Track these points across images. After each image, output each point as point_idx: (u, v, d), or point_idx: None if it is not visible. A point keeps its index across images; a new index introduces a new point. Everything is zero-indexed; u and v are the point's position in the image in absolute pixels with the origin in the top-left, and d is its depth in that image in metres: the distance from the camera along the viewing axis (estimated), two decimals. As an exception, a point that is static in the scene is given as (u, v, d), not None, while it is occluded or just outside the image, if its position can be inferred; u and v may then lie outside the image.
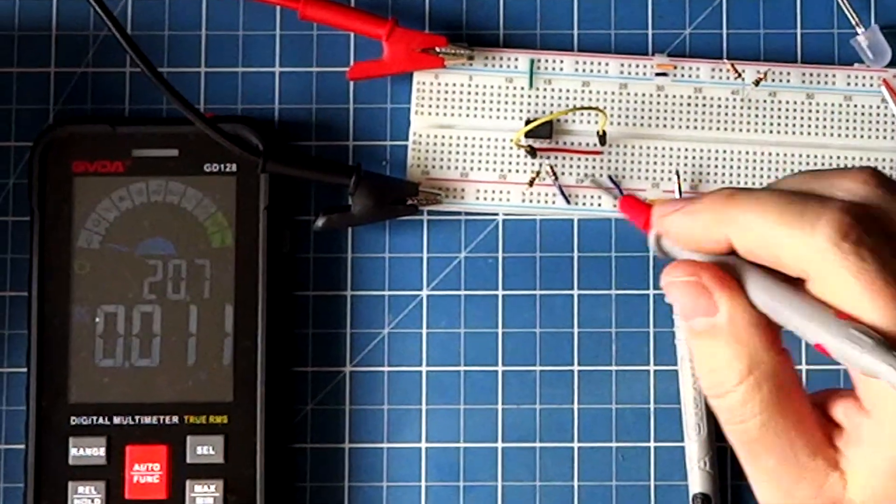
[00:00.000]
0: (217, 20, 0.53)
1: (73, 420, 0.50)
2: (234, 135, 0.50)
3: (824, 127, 0.52)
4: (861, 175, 0.36)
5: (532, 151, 0.52)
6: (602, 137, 0.52)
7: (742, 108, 0.52)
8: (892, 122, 0.52)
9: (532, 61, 0.53)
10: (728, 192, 0.36)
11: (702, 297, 0.36)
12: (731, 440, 0.37)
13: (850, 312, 0.34)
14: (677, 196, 0.51)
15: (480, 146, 0.52)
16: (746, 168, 0.52)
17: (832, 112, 0.52)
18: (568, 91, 0.53)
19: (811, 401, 0.36)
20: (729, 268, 0.36)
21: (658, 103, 0.52)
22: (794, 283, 0.35)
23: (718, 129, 0.52)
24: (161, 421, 0.50)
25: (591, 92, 0.53)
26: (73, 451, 0.49)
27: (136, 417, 0.50)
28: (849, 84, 0.52)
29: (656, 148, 0.52)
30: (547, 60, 0.53)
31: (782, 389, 0.35)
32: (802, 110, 0.52)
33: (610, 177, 0.52)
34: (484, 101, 0.52)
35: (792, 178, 0.37)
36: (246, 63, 0.53)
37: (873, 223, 0.34)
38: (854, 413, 0.35)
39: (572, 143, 0.52)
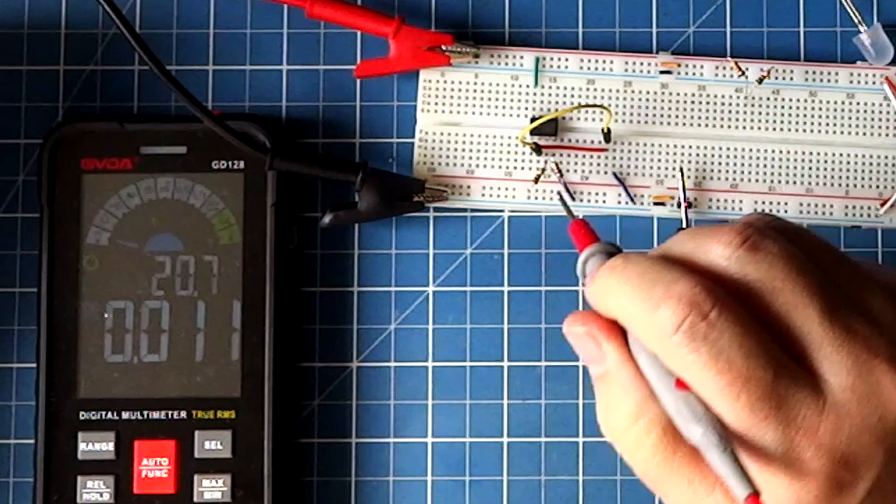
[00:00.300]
0: (225, 18, 0.54)
1: (82, 415, 0.50)
2: (242, 132, 0.50)
3: (827, 125, 0.53)
4: (727, 236, 0.37)
5: (537, 149, 0.52)
6: (607, 135, 0.52)
7: (745, 105, 0.53)
8: (895, 120, 0.52)
9: (537, 59, 0.53)
10: (618, 260, 0.38)
11: (592, 346, 0.38)
12: (639, 477, 0.38)
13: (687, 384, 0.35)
14: (681, 194, 0.51)
15: (486, 143, 0.53)
16: (749, 165, 0.52)
17: (835, 110, 0.53)
18: (573, 89, 0.53)
19: None
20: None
21: (662, 101, 0.53)
22: None
23: (722, 126, 0.53)
24: (169, 416, 0.50)
25: (595, 90, 0.53)
26: (81, 446, 0.50)
27: (145, 412, 0.50)
28: (851, 82, 0.53)
29: (660, 145, 0.53)
30: (552, 58, 0.53)
31: (674, 434, 0.36)
32: (805, 108, 0.53)
33: (615, 174, 0.52)
34: (489, 99, 0.53)
35: (676, 238, 0.39)
36: (254, 61, 0.53)
37: (721, 302, 0.35)
38: None
39: (577, 141, 0.53)
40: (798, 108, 0.53)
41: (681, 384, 0.36)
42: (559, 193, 0.52)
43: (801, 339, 0.36)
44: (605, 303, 0.38)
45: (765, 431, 0.35)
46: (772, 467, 0.35)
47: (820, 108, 0.53)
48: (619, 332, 0.38)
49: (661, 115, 0.53)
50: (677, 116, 0.53)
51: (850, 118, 0.52)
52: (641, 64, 0.53)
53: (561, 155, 0.53)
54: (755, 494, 0.33)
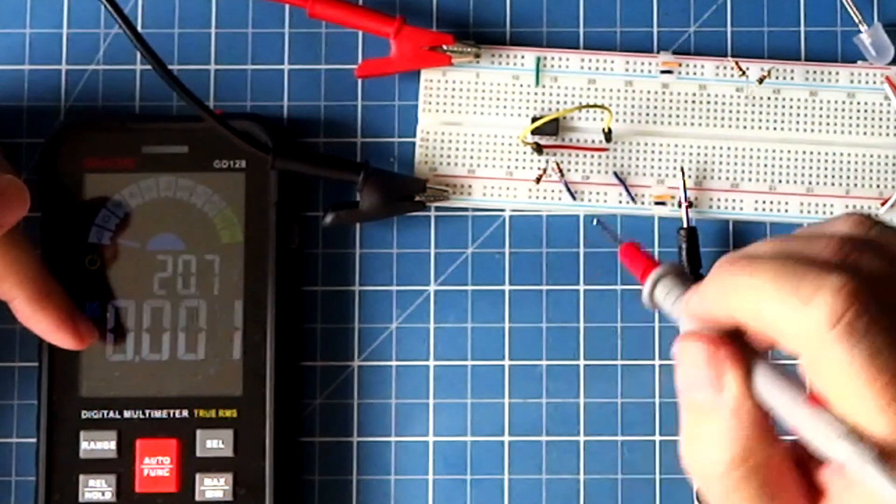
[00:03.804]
0: (226, 18, 0.54)
1: (84, 414, 0.50)
2: (244, 132, 0.50)
3: (827, 124, 0.53)
4: (851, 218, 0.35)
5: (538, 148, 0.52)
6: (608, 134, 0.52)
7: (746, 105, 0.53)
8: (895, 119, 0.53)
9: (538, 59, 0.53)
10: (729, 261, 0.35)
11: (710, 371, 0.35)
12: None
13: (833, 398, 0.32)
14: (682, 193, 0.52)
15: (487, 143, 0.53)
16: (750, 165, 0.52)
17: (835, 109, 0.53)
18: (574, 88, 0.53)
19: (796, 456, 0.35)
20: (743, 349, 0.35)
21: (663, 100, 0.53)
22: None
23: (723, 126, 0.53)
24: (171, 415, 0.50)
25: (596, 89, 0.53)
26: (83, 445, 0.50)
27: (147, 411, 0.50)
28: (852, 81, 0.53)
29: (661, 145, 0.53)
30: (553, 58, 0.53)
31: (773, 482, 0.34)
32: (806, 107, 0.53)
33: (616, 174, 0.52)
34: (491, 99, 0.53)
35: (795, 235, 0.36)
36: (255, 60, 0.54)
37: (874, 294, 0.32)
38: (836, 478, 0.34)
39: (578, 140, 0.53)
40: (798, 107, 0.53)
41: (815, 400, 0.33)
42: (600, 222, 0.51)
43: None
44: (728, 303, 0.34)
45: None
46: None
47: (820, 108, 0.53)
48: (745, 361, 0.34)
49: (662, 115, 0.53)
50: (678, 116, 0.53)
51: (850, 118, 0.53)
52: (642, 64, 0.53)
53: (562, 154, 0.53)
54: None
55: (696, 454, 0.35)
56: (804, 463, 0.35)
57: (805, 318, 0.32)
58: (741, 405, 0.34)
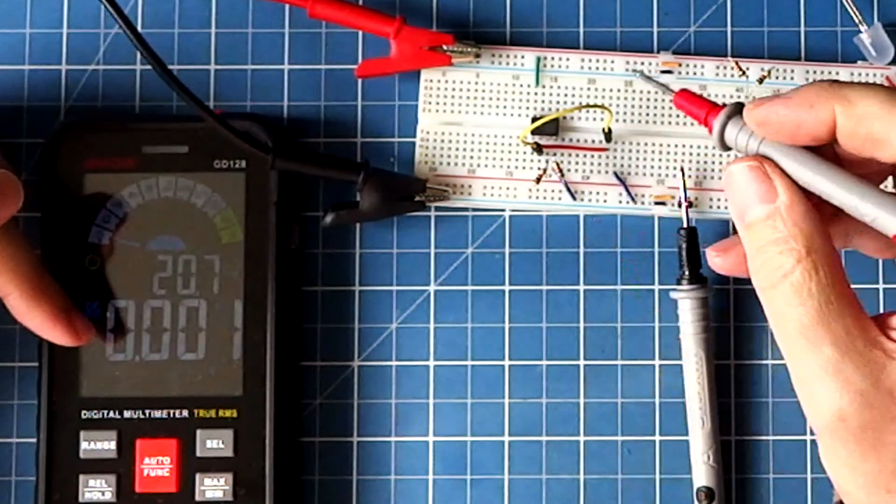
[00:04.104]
0: (226, 18, 0.54)
1: (84, 414, 0.50)
2: (244, 132, 0.50)
3: (828, 124, 0.53)
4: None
5: (538, 148, 0.52)
6: (608, 134, 0.52)
7: (746, 105, 0.53)
8: (895, 120, 0.53)
9: (538, 59, 0.53)
10: (830, 81, 0.38)
11: (763, 183, 0.38)
12: (785, 335, 0.37)
13: None
14: (682, 193, 0.52)
15: (487, 143, 0.53)
16: (750, 165, 0.52)
17: (835, 109, 0.53)
18: (574, 88, 0.53)
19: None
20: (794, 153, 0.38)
21: (663, 100, 0.53)
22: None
23: (723, 126, 0.53)
24: (171, 415, 0.50)
25: (596, 89, 0.53)
26: (83, 445, 0.50)
27: (147, 411, 0.50)
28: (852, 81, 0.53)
29: (661, 145, 0.53)
30: (553, 58, 0.53)
31: (837, 275, 0.36)
32: (806, 107, 0.53)
33: (616, 174, 0.52)
34: (491, 99, 0.53)
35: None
36: (255, 60, 0.54)
37: None
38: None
39: (578, 140, 0.53)
40: (799, 107, 0.53)
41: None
42: (648, 76, 0.51)
43: None
44: (829, 104, 0.37)
45: None
46: None
47: (820, 108, 0.53)
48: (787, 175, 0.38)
49: (662, 115, 0.53)
50: (678, 116, 0.53)
51: (850, 118, 0.52)
52: (642, 63, 0.53)
53: (562, 154, 0.53)
54: None
55: (764, 265, 0.37)
56: None
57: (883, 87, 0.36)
58: (797, 204, 0.37)
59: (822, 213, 0.39)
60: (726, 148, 0.41)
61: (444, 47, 0.52)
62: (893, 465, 0.35)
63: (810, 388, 0.36)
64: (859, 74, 0.53)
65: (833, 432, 0.36)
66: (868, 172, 0.39)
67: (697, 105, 0.42)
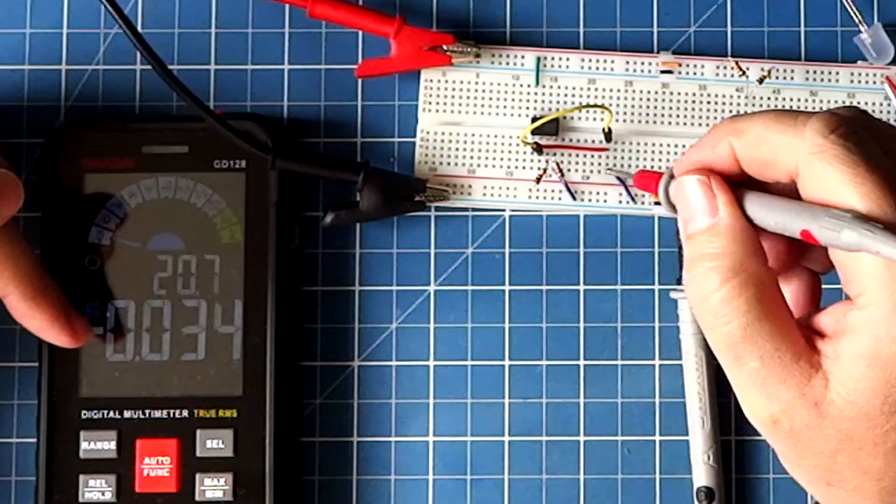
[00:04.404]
0: (226, 18, 0.54)
1: (84, 414, 0.50)
2: (244, 132, 0.50)
3: (828, 124, 0.53)
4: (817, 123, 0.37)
5: (538, 148, 0.52)
6: (608, 134, 0.52)
7: (746, 105, 0.53)
8: (895, 119, 0.53)
9: (538, 59, 0.53)
10: (730, 117, 0.39)
11: (708, 197, 0.38)
12: (715, 347, 0.37)
13: (834, 202, 0.35)
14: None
15: (487, 143, 0.53)
16: (750, 165, 0.52)
17: (835, 109, 0.53)
18: (574, 88, 0.53)
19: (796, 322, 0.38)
20: (732, 186, 0.39)
21: (663, 100, 0.53)
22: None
23: (723, 126, 0.53)
24: (171, 415, 0.50)
25: (596, 89, 0.53)
26: (83, 445, 0.50)
27: (147, 411, 0.50)
28: (852, 81, 0.53)
29: (661, 145, 0.53)
30: (553, 58, 0.53)
31: (765, 296, 0.37)
32: (806, 107, 0.53)
33: (615, 173, 0.52)
34: (491, 99, 0.53)
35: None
36: (255, 60, 0.54)
37: (860, 125, 0.36)
38: (839, 312, 0.36)
39: (578, 140, 0.53)
40: (799, 107, 0.53)
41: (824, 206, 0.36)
42: (610, 168, 0.51)
43: None
44: (725, 139, 0.38)
45: None
46: None
47: (821, 108, 0.53)
48: (732, 192, 0.38)
49: (662, 115, 0.53)
50: (678, 116, 0.53)
51: (850, 118, 0.53)
52: (642, 63, 0.53)
53: (562, 154, 0.53)
54: None
55: (694, 279, 0.38)
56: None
57: (802, 136, 0.36)
58: (734, 223, 0.38)
59: (780, 241, 0.39)
60: (674, 209, 0.41)
61: (444, 47, 0.52)
62: (827, 464, 0.36)
63: (743, 396, 0.37)
64: (859, 74, 0.53)
65: (771, 434, 0.37)
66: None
67: (648, 178, 0.43)
